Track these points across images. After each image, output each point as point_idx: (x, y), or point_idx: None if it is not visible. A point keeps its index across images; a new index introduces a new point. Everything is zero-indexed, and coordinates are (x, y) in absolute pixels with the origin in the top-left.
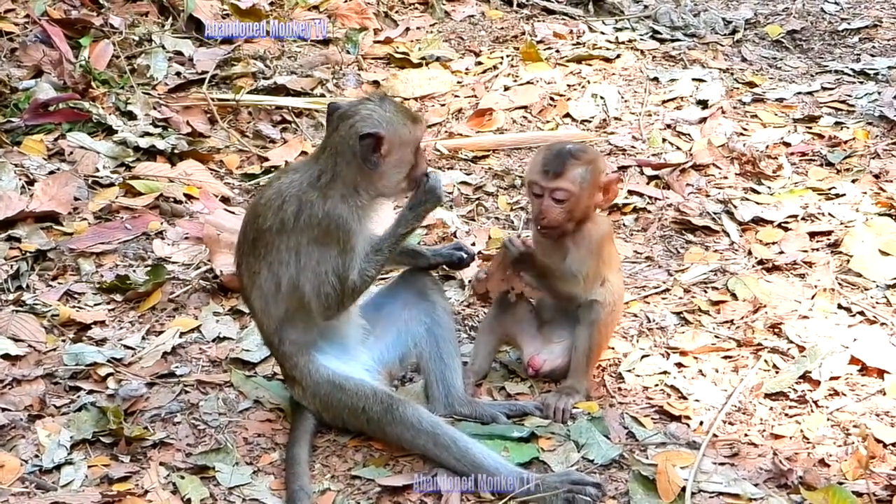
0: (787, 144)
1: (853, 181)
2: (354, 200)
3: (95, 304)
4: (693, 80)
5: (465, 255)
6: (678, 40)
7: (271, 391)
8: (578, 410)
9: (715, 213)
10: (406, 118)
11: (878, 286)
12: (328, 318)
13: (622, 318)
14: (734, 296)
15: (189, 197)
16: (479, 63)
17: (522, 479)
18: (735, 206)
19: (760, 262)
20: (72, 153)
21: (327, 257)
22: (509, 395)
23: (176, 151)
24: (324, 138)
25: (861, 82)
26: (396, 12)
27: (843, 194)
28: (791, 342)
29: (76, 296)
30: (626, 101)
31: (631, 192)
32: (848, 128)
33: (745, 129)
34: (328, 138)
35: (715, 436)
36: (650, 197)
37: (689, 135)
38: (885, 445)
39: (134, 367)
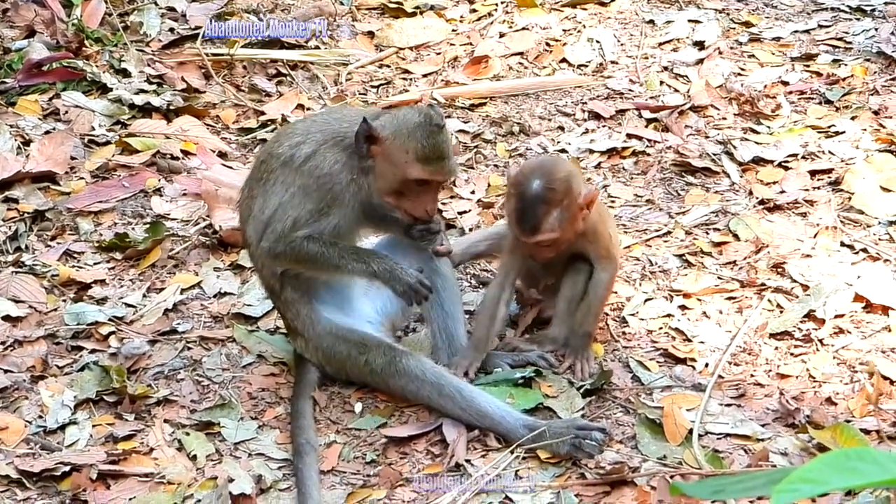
0: (786, 83)
1: (852, 118)
2: (359, 176)
3: (95, 263)
4: (689, 21)
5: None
6: None
7: (274, 345)
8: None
9: (714, 154)
10: (417, 152)
11: (880, 223)
12: (262, 250)
13: (624, 262)
14: (736, 236)
15: (186, 153)
16: (474, 10)
17: (529, 426)
18: (735, 147)
19: (761, 202)
20: (67, 112)
21: (301, 205)
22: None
23: (172, 108)
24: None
25: (858, 19)
26: None
27: (843, 132)
28: (794, 281)
29: (75, 255)
30: (622, 44)
31: (630, 136)
32: (846, 65)
33: (742, 70)
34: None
35: (721, 377)
36: (649, 140)
37: (686, 76)
38: (891, 382)
39: (136, 325)
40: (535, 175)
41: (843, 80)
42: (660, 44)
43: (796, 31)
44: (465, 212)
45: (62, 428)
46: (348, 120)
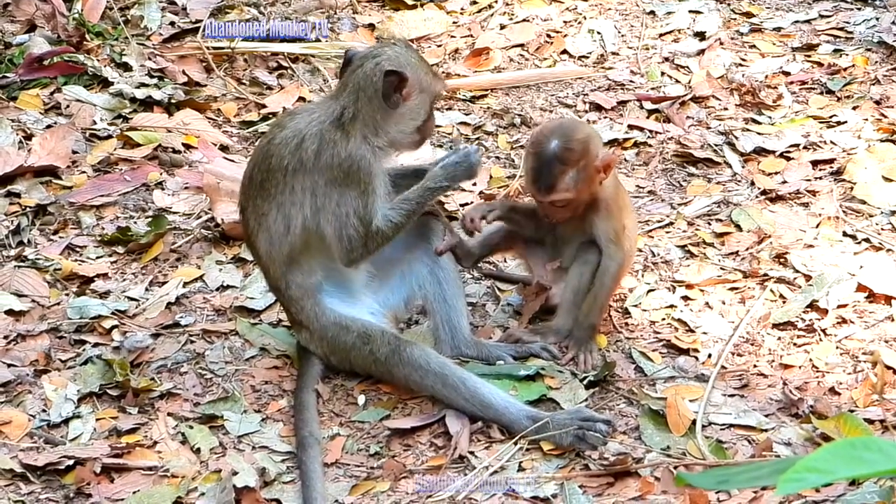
0: (787, 73)
1: (854, 108)
2: (374, 142)
3: (97, 257)
4: (690, 12)
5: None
6: None
7: (277, 338)
8: None
9: (716, 145)
10: (428, 69)
11: (882, 212)
12: (351, 262)
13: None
14: (738, 227)
15: (188, 146)
16: (475, 2)
17: (532, 417)
18: (736, 137)
19: (764, 193)
20: (68, 106)
21: (347, 199)
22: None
23: (173, 101)
24: (341, 80)
25: (859, 8)
26: None
27: (845, 122)
28: (797, 271)
29: (78, 249)
30: (622, 35)
31: (631, 127)
32: (847, 55)
33: (743, 60)
34: (349, 77)
35: (724, 368)
36: (651, 131)
37: (687, 67)
38: (894, 371)
39: (138, 319)
40: (554, 135)
41: (845, 69)
42: (661, 35)
43: (797, 21)
44: (466, 204)
45: (66, 422)
46: (321, 106)
